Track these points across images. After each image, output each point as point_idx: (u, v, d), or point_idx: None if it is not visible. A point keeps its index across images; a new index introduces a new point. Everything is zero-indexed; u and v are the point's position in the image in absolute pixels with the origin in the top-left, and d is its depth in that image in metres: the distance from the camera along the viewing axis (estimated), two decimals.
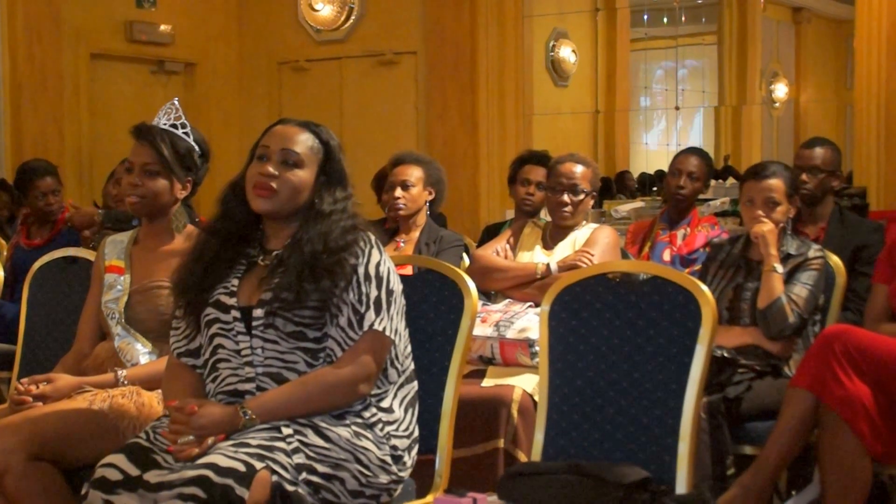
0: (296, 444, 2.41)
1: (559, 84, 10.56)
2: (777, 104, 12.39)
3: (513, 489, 2.60)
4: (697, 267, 4.22)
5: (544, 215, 4.46)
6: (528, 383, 3.61)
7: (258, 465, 2.31)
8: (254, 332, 2.54)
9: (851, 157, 6.78)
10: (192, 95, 8.39)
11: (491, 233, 5.08)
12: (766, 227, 3.64)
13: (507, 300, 3.95)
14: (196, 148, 3.11)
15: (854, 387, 3.07)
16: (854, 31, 6.68)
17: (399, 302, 2.60)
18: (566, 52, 10.54)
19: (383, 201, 4.63)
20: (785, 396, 3.21)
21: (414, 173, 4.43)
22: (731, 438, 3.32)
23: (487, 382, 3.69)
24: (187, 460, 2.36)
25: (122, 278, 3.10)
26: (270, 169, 2.58)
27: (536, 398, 2.97)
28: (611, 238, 3.99)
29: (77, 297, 3.35)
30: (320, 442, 2.44)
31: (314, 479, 2.41)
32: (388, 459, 2.54)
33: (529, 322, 3.71)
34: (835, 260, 3.72)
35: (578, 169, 4.03)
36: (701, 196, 5.05)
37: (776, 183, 3.71)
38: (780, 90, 12.42)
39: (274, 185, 2.57)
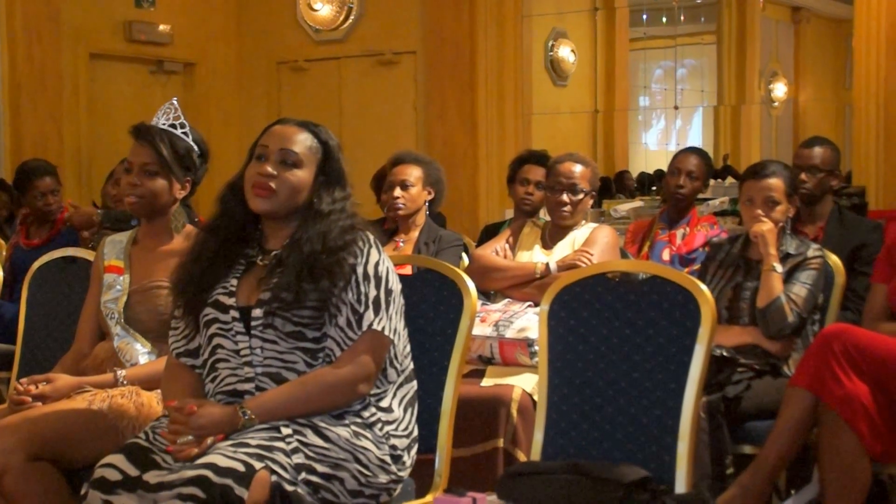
0: (295, 443, 2.41)
1: (558, 84, 10.56)
2: (776, 104, 12.39)
3: (512, 489, 2.60)
4: (696, 266, 4.22)
5: (543, 215, 4.46)
6: (527, 383, 3.61)
7: (257, 465, 2.31)
8: (253, 332, 2.54)
9: (850, 157, 6.78)
10: (192, 95, 8.39)
11: (490, 232, 5.08)
12: (766, 227, 3.64)
13: (507, 300, 3.96)
14: (195, 148, 3.11)
15: (853, 386, 3.07)
16: (853, 30, 6.68)
17: (398, 301, 2.60)
18: (565, 52, 10.55)
19: (382, 201, 4.63)
20: (784, 396, 3.21)
21: (413, 173, 4.43)
22: (730, 438, 3.32)
23: (487, 382, 3.69)
24: (186, 460, 2.36)
25: (121, 278, 3.10)
26: (269, 169, 2.58)
27: (536, 398, 2.97)
28: (610, 238, 3.99)
29: (76, 297, 3.35)
30: (320, 442, 2.44)
31: (313, 478, 2.41)
32: (388, 459, 2.54)
33: (529, 322, 3.71)
34: (834, 259, 3.72)
35: (577, 168, 4.03)
36: (700, 195, 5.05)
37: (776, 182, 3.71)
38: (779, 90, 12.42)
39: (273, 184, 2.57)
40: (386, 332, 2.55)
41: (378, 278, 2.56)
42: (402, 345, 2.64)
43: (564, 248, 4.00)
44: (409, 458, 2.62)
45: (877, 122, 6.36)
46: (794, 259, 3.65)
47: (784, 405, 3.19)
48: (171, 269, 2.75)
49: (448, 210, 5.88)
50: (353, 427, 2.51)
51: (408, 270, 3.27)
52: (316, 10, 8.30)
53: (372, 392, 2.56)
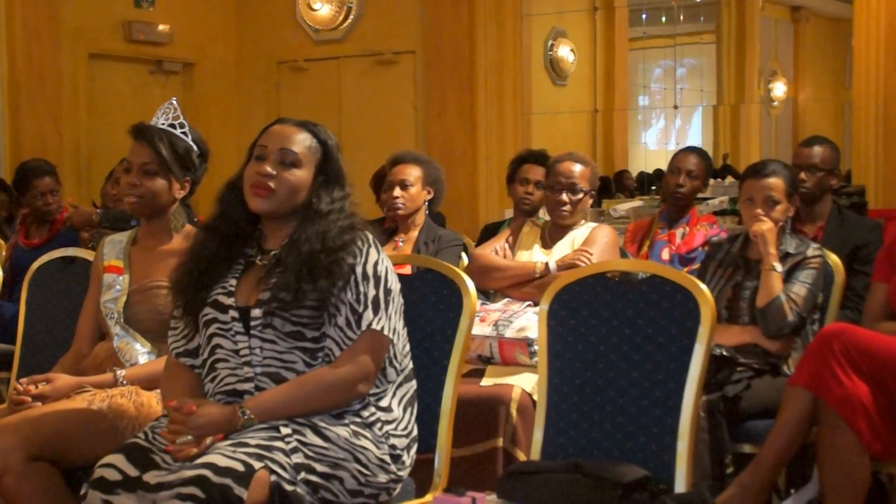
0: (294, 443, 2.41)
1: (558, 83, 10.55)
2: (775, 103, 12.40)
3: (512, 488, 2.60)
4: (696, 266, 4.22)
5: (543, 214, 4.46)
6: (526, 382, 3.61)
7: (257, 464, 2.31)
8: (252, 331, 2.54)
9: (850, 156, 6.78)
10: (191, 95, 8.38)
11: (490, 232, 5.09)
12: (766, 226, 3.64)
13: (506, 299, 3.96)
14: (194, 148, 3.11)
15: (853, 385, 3.07)
16: (852, 29, 6.68)
17: (397, 301, 2.60)
18: (565, 52, 10.54)
19: (382, 201, 4.63)
20: (784, 395, 3.21)
21: (412, 173, 4.43)
22: (729, 437, 3.32)
23: (486, 381, 3.69)
24: (186, 460, 2.36)
25: (120, 278, 3.10)
26: (268, 168, 2.58)
27: (535, 397, 2.97)
28: (609, 237, 3.99)
29: (76, 296, 3.35)
30: (319, 441, 2.44)
31: (313, 478, 2.41)
32: (387, 459, 2.54)
33: (528, 321, 3.71)
34: (833, 258, 3.72)
35: (577, 168, 4.03)
36: (700, 195, 5.05)
37: (776, 182, 3.71)
38: (779, 89, 12.42)
39: (272, 184, 2.57)
40: (385, 332, 2.55)
41: (377, 278, 2.56)
42: (402, 344, 2.64)
43: (564, 247, 4.00)
44: (408, 458, 2.62)
45: (876, 122, 6.35)
46: (793, 258, 3.65)
47: (783, 404, 3.19)
48: (170, 268, 2.75)
49: (447, 210, 5.88)
50: (353, 427, 2.51)
51: (407, 270, 3.27)
52: (315, 10, 8.30)
53: (371, 392, 2.56)
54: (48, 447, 2.68)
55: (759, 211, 3.69)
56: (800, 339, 3.60)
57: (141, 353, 3.02)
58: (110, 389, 2.89)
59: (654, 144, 12.40)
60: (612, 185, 10.41)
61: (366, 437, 2.51)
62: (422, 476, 2.75)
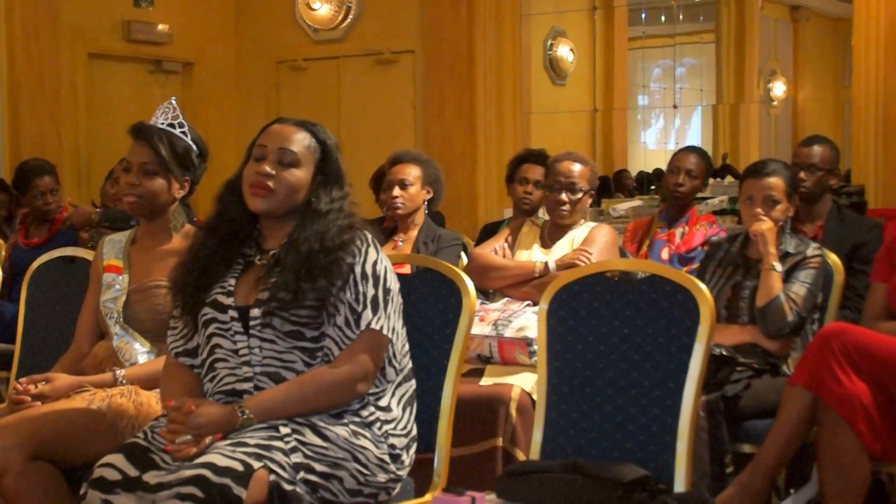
0: (294, 443, 2.41)
1: (557, 83, 10.55)
2: (775, 102, 12.40)
3: (511, 488, 2.60)
4: (696, 265, 4.22)
5: (542, 214, 4.46)
6: (526, 382, 3.62)
7: (256, 464, 2.31)
8: (251, 331, 2.54)
9: (849, 155, 6.78)
10: (190, 95, 8.38)
11: (489, 231, 5.09)
12: (765, 226, 3.64)
13: (506, 299, 3.96)
14: (194, 147, 3.11)
15: (852, 385, 3.07)
16: (852, 29, 6.68)
17: (396, 300, 2.60)
18: (564, 51, 10.54)
19: (381, 200, 4.63)
20: (783, 395, 3.21)
21: (412, 172, 4.44)
22: (729, 437, 3.32)
23: (486, 381, 3.69)
24: (185, 460, 2.36)
25: (120, 278, 3.10)
26: (267, 168, 2.58)
27: (535, 397, 2.97)
28: (609, 237, 3.99)
29: (75, 296, 3.35)
30: (318, 441, 2.44)
31: (312, 478, 2.41)
32: (387, 458, 2.54)
33: (528, 321, 3.71)
34: (833, 258, 3.72)
35: (576, 167, 4.03)
36: (699, 194, 5.05)
37: (776, 181, 3.71)
38: (778, 88, 12.42)
39: (271, 184, 2.57)
40: (384, 332, 2.55)
41: (376, 277, 2.56)
42: (401, 344, 2.64)
43: (563, 247, 4.00)
44: (407, 458, 2.62)
45: (876, 121, 6.36)
46: (793, 258, 3.65)
47: (783, 404, 3.19)
48: (169, 268, 2.75)
49: (447, 209, 5.88)
50: (352, 426, 2.51)
51: (407, 270, 3.27)
52: (315, 10, 8.30)
53: (370, 391, 2.56)
54: (48, 447, 2.68)
55: (759, 210, 3.69)
56: (799, 338, 3.59)
57: (140, 352, 3.02)
58: (110, 389, 2.89)
59: (653, 144, 12.39)
60: (611, 185, 10.42)
61: (365, 437, 2.51)
62: (421, 476, 2.75)
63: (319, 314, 2.52)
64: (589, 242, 3.94)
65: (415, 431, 2.66)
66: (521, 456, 3.49)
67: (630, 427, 2.66)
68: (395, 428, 2.59)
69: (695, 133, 12.37)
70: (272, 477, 2.32)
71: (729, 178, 10.29)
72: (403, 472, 2.61)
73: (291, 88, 8.62)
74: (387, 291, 2.57)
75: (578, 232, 4.03)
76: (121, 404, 2.83)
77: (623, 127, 11.62)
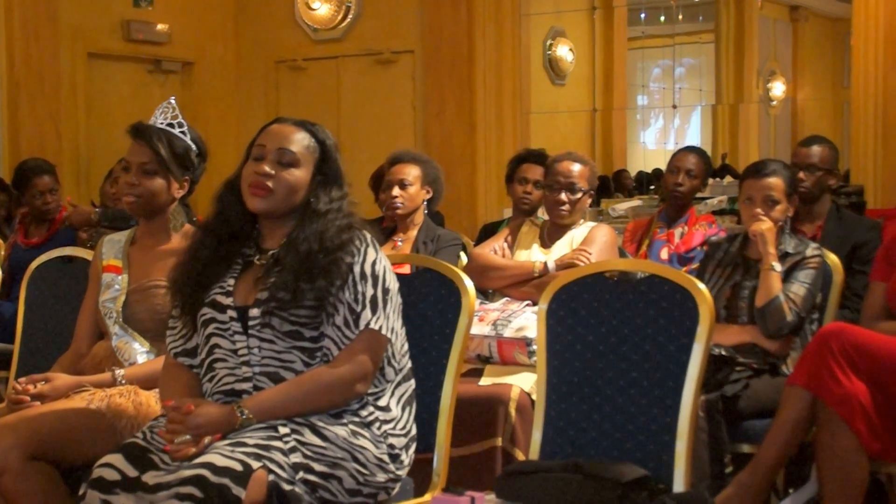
0: (293, 443, 2.41)
1: (556, 83, 10.55)
2: (774, 102, 12.39)
3: (511, 488, 2.60)
4: (695, 265, 4.22)
5: (542, 214, 4.46)
6: (525, 382, 3.61)
7: (255, 464, 2.31)
8: (250, 331, 2.53)
9: (849, 155, 6.78)
10: (190, 94, 8.38)
11: (488, 231, 5.09)
12: (765, 226, 3.64)
13: (505, 299, 3.96)
14: (193, 147, 3.11)
15: (851, 385, 3.07)
16: (851, 29, 6.68)
17: (395, 300, 2.60)
18: (563, 51, 10.54)
19: (381, 200, 4.63)
20: (782, 395, 3.21)
21: (411, 172, 4.44)
22: (728, 436, 3.33)
23: (485, 381, 3.69)
24: (184, 460, 2.36)
25: (119, 277, 3.10)
26: (266, 168, 2.58)
27: (534, 397, 2.97)
28: (608, 236, 3.99)
29: (75, 296, 3.35)
30: (317, 441, 2.44)
31: (311, 478, 2.41)
32: (386, 458, 2.54)
33: (527, 321, 3.71)
34: (832, 258, 3.72)
35: (576, 167, 4.03)
36: (698, 194, 5.05)
37: (776, 181, 3.71)
38: (778, 88, 12.42)
39: (270, 184, 2.57)
40: (383, 332, 2.55)
41: (375, 277, 2.55)
42: (400, 344, 2.64)
43: (563, 246, 4.00)
44: (407, 457, 2.62)
45: (875, 121, 6.35)
46: (792, 258, 3.65)
47: (782, 404, 3.19)
48: (169, 268, 2.75)
49: (446, 209, 5.88)
50: (351, 426, 2.51)
51: (406, 269, 3.27)
52: (314, 10, 8.29)
53: (370, 391, 2.56)
54: (47, 446, 2.68)
55: (759, 210, 3.69)
56: (798, 338, 3.60)
57: (140, 352, 3.02)
58: (109, 389, 2.89)
59: (652, 144, 12.40)
60: (610, 185, 10.41)
61: (364, 437, 2.51)
62: (420, 475, 2.75)
63: (318, 314, 2.52)
64: (588, 242, 3.94)
65: (414, 431, 2.66)
66: (520, 456, 3.49)
67: (629, 427, 2.67)
68: (394, 428, 2.59)
69: (694, 133, 12.37)
70: (271, 477, 2.32)
71: (728, 178, 10.28)
72: (403, 472, 2.61)
73: (291, 88, 8.62)
74: (386, 291, 2.57)
75: (578, 232, 4.03)
76: (120, 404, 2.83)
77: (622, 127, 11.62)
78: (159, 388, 2.74)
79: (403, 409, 2.63)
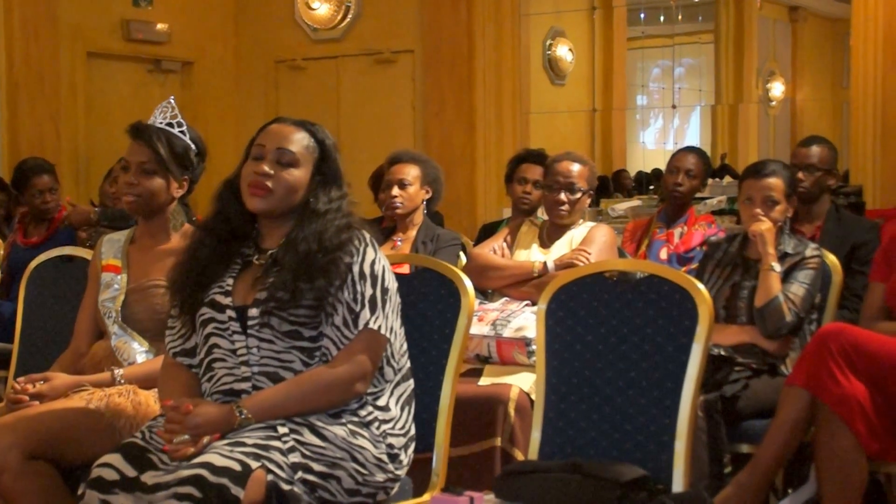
0: (292, 442, 2.41)
1: (556, 83, 10.55)
2: (773, 102, 12.39)
3: (510, 488, 2.60)
4: (694, 265, 4.22)
5: (541, 214, 4.46)
6: (524, 382, 3.62)
7: (254, 464, 2.31)
8: (249, 331, 2.53)
9: (848, 156, 6.77)
10: (189, 94, 8.37)
11: (488, 231, 5.09)
12: (765, 226, 3.64)
13: (504, 299, 3.96)
14: (192, 146, 3.11)
15: (850, 385, 3.07)
16: (850, 29, 6.67)
17: (394, 300, 2.60)
18: (563, 51, 10.54)
19: (380, 200, 4.63)
20: (781, 395, 3.21)
21: (411, 172, 4.44)
22: (727, 437, 3.33)
23: (484, 381, 3.69)
24: (183, 459, 2.36)
25: (118, 277, 3.10)
26: (266, 168, 2.58)
27: (533, 397, 2.97)
28: (607, 236, 3.99)
29: (74, 295, 3.35)
30: (316, 441, 2.44)
31: (310, 477, 2.41)
32: (385, 458, 2.54)
33: (526, 321, 3.71)
34: (831, 259, 3.72)
35: (575, 167, 4.03)
36: (698, 195, 5.05)
37: (775, 182, 3.72)
38: (777, 88, 12.41)
39: (269, 184, 2.57)
40: (382, 331, 2.55)
41: (374, 277, 2.56)
42: (399, 343, 2.64)
43: (562, 246, 4.00)
44: (406, 457, 2.62)
45: (874, 121, 6.35)
46: (791, 258, 3.65)
47: (781, 404, 3.19)
48: (168, 267, 2.75)
49: (446, 209, 5.88)
50: (350, 426, 2.51)
51: (405, 269, 3.26)
52: (314, 9, 8.29)
53: (369, 391, 2.56)
54: (46, 446, 2.68)
55: (759, 211, 3.69)
56: (798, 339, 3.60)
57: (139, 352, 3.02)
58: (108, 388, 2.89)
59: (652, 144, 12.39)
60: (610, 185, 10.41)
61: (363, 437, 2.51)
62: (420, 475, 2.75)
63: (317, 314, 2.52)
64: (588, 242, 3.94)
65: (413, 431, 2.66)
66: (519, 456, 3.49)
67: (628, 427, 2.67)
68: (393, 427, 2.59)
69: (693, 133, 12.36)
70: (270, 477, 2.32)
71: (727, 179, 10.28)
72: (402, 472, 2.62)
73: (290, 88, 8.62)
74: (385, 291, 2.57)
75: (577, 232, 4.03)
76: (119, 404, 2.83)
77: (622, 127, 11.61)
78: (158, 387, 2.74)
79: (402, 409, 2.63)
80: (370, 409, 2.56)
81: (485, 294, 4.00)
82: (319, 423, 2.47)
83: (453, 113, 7.68)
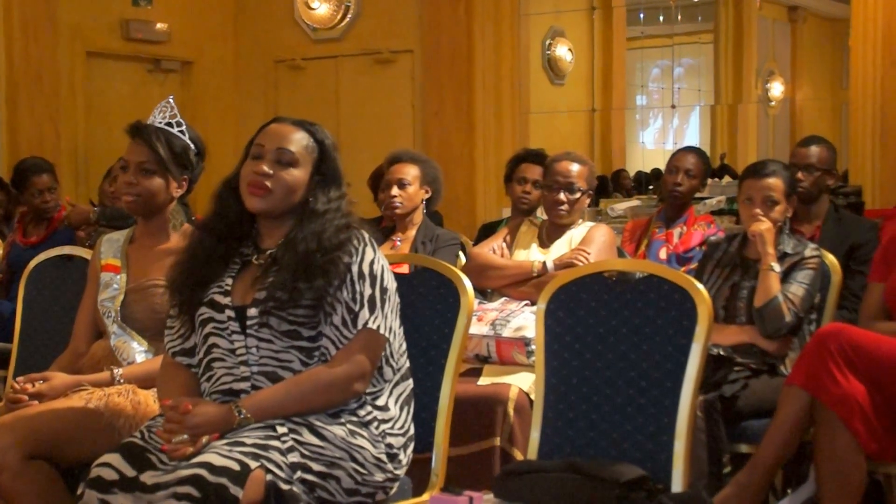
0: (291, 442, 2.41)
1: (556, 82, 10.55)
2: (773, 102, 12.39)
3: (509, 487, 2.60)
4: (693, 265, 4.22)
5: (541, 213, 4.46)
6: (524, 382, 3.62)
7: (253, 464, 2.31)
8: (248, 331, 2.53)
9: (847, 156, 6.78)
10: (189, 93, 8.37)
11: (487, 231, 5.09)
12: (764, 226, 3.64)
13: (504, 298, 3.96)
14: (192, 146, 3.10)
15: (849, 385, 3.07)
16: (849, 29, 6.68)
17: (393, 300, 2.60)
18: (562, 51, 10.54)
19: (380, 200, 4.63)
20: (780, 395, 3.22)
21: (410, 172, 4.44)
22: (727, 437, 3.33)
23: (484, 381, 3.69)
24: (181, 459, 2.36)
25: (118, 277, 3.10)
26: (265, 168, 2.58)
27: (532, 396, 2.97)
28: (607, 236, 3.99)
29: (73, 295, 3.35)
30: (315, 440, 2.44)
31: (309, 477, 2.41)
32: (384, 458, 2.54)
33: (525, 320, 3.71)
34: (830, 259, 3.72)
35: (575, 167, 4.03)
36: (697, 195, 5.05)
37: (775, 182, 3.72)
38: (776, 89, 12.41)
39: (268, 183, 2.57)
40: (381, 331, 2.55)
41: (373, 277, 2.56)
42: (398, 343, 2.64)
43: (561, 246, 4.00)
44: (405, 457, 2.62)
45: (873, 121, 6.35)
46: (791, 258, 3.65)
47: (780, 404, 3.19)
48: (168, 267, 2.75)
49: (445, 209, 5.88)
50: (349, 426, 2.50)
51: (405, 269, 3.26)
52: (313, 9, 8.29)
53: (368, 391, 2.56)
54: (45, 446, 2.68)
55: (758, 211, 3.69)
56: (797, 339, 3.60)
57: (138, 351, 3.02)
58: (107, 388, 2.89)
59: (651, 144, 12.39)
60: (609, 185, 10.41)
61: (362, 436, 2.51)
62: (419, 475, 2.75)
63: (316, 314, 2.52)
64: (587, 242, 3.94)
65: (412, 431, 2.66)
66: (518, 455, 3.49)
67: (628, 427, 2.67)
68: (392, 427, 2.59)
69: (693, 133, 12.36)
70: (269, 476, 2.32)
71: (727, 179, 10.28)
72: (401, 472, 2.62)
73: (290, 88, 8.62)
74: (384, 291, 2.57)
75: (576, 232, 4.03)
76: (118, 403, 2.83)
77: (621, 127, 11.61)
78: (157, 387, 2.74)
79: (401, 409, 2.63)
80: (369, 408, 2.56)
81: (484, 294, 4.00)
82: (318, 423, 2.47)
83: (453, 113, 7.68)
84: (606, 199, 9.15)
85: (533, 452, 2.78)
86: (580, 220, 4.07)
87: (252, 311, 2.53)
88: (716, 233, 4.57)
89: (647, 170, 11.21)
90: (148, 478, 2.33)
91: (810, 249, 3.66)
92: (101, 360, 3.03)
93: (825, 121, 12.40)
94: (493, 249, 4.11)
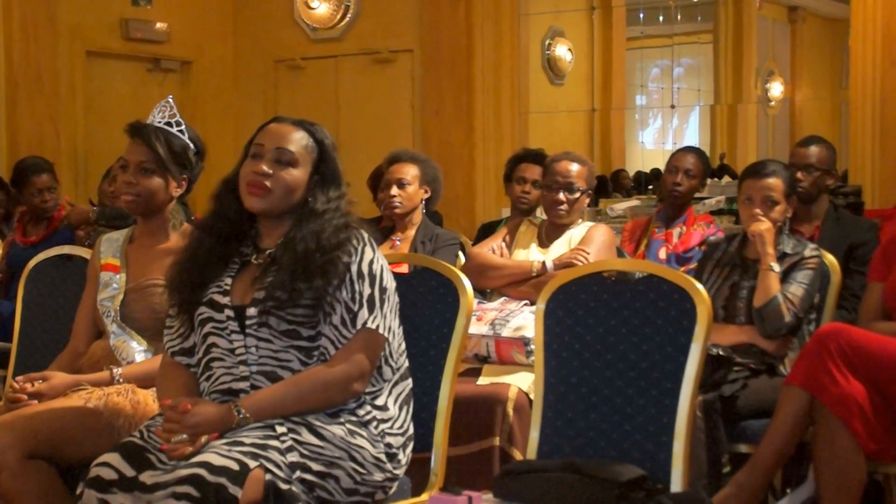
0: (290, 442, 2.41)
1: (555, 82, 10.55)
2: (772, 103, 12.39)
3: (508, 487, 2.60)
4: (693, 265, 4.23)
5: (540, 213, 4.47)
6: (523, 381, 3.62)
7: (252, 463, 2.30)
8: (247, 330, 2.53)
9: (846, 156, 6.78)
10: (188, 93, 8.37)
11: (487, 231, 5.09)
12: (764, 226, 3.64)
13: (503, 298, 3.96)
14: (191, 146, 3.11)
15: (849, 385, 3.07)
16: (849, 30, 6.68)
17: (392, 300, 2.60)
18: (562, 51, 10.54)
19: (379, 199, 4.63)
20: (780, 395, 3.22)
21: (410, 171, 4.44)
22: (726, 436, 3.33)
23: (483, 381, 3.69)
24: (180, 459, 2.36)
25: (117, 276, 3.10)
26: (264, 167, 2.58)
27: (532, 396, 2.97)
28: (606, 236, 3.99)
29: (73, 294, 3.35)
30: (314, 440, 2.44)
31: (308, 477, 2.41)
32: (383, 457, 2.54)
33: (525, 320, 3.71)
34: (830, 259, 3.72)
35: (574, 167, 4.03)
36: (697, 194, 5.05)
37: (775, 182, 3.72)
38: (776, 89, 12.41)
39: (268, 183, 2.57)
40: (380, 331, 2.55)
41: (372, 276, 2.56)
42: (397, 343, 2.64)
43: (561, 246, 4.00)
44: (404, 457, 2.62)
45: (873, 121, 6.35)
46: (790, 258, 3.65)
47: (780, 404, 3.19)
48: (167, 267, 2.75)
49: (445, 208, 5.88)
50: (349, 425, 2.51)
51: (404, 269, 3.26)
52: (313, 9, 8.29)
53: (367, 390, 2.56)
54: (44, 445, 2.68)
55: (758, 211, 3.69)
56: (796, 338, 3.60)
57: (137, 351, 3.02)
58: (107, 388, 2.89)
59: (651, 144, 12.39)
60: (608, 185, 10.41)
61: (361, 436, 2.51)
62: (418, 475, 2.75)
63: (316, 313, 2.52)
64: (586, 242, 3.94)
65: (411, 430, 2.66)
66: (518, 455, 3.49)
67: (627, 427, 2.67)
68: (391, 427, 2.59)
69: (692, 133, 12.36)
70: (268, 476, 2.32)
71: (726, 179, 10.28)
72: (400, 472, 2.61)
73: (289, 87, 8.62)
74: (383, 290, 2.57)
75: (576, 231, 4.03)
76: (117, 403, 2.83)
77: (621, 127, 11.61)
78: (156, 386, 2.74)
79: (401, 409, 2.63)
80: (368, 408, 2.56)
81: (483, 293, 4.00)
82: (318, 423, 2.47)
83: (452, 112, 7.68)
84: (606, 199, 9.16)
85: (532, 452, 2.78)
86: (579, 220, 4.08)
87: (251, 311, 2.53)
88: (715, 233, 4.58)
89: (647, 170, 11.21)
90: (147, 477, 2.33)
91: (810, 249, 3.66)
92: (101, 359, 3.03)
93: (825, 121, 12.40)
94: (492, 249, 4.11)
